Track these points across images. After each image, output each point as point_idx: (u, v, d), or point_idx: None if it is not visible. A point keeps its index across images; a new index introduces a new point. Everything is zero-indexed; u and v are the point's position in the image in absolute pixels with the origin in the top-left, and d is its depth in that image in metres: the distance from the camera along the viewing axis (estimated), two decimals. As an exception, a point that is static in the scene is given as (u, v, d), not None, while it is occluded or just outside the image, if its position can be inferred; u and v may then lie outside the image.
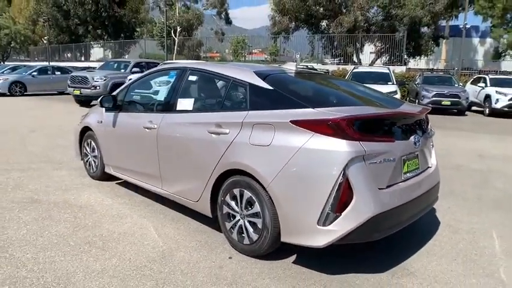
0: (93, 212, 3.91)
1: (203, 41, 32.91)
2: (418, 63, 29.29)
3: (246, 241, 3.00)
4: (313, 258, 2.99)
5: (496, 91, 14.64)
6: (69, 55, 39.20)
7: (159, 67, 4.29)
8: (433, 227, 3.77)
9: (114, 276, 2.71)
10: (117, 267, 2.83)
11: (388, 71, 12.96)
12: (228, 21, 35.17)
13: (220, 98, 3.43)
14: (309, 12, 26.85)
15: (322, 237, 2.59)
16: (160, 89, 4.01)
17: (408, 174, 2.96)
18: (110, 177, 4.84)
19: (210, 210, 3.30)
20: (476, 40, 41.98)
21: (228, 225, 3.15)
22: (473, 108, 16.25)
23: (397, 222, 2.81)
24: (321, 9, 27.32)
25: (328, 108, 2.72)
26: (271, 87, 3.02)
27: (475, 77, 18.24)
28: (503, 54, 26.38)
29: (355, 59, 28.29)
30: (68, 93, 19.39)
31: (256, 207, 2.89)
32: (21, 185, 4.70)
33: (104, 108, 4.62)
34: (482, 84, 15.86)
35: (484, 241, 3.49)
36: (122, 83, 13.15)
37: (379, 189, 2.64)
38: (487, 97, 15.04)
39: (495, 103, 14.52)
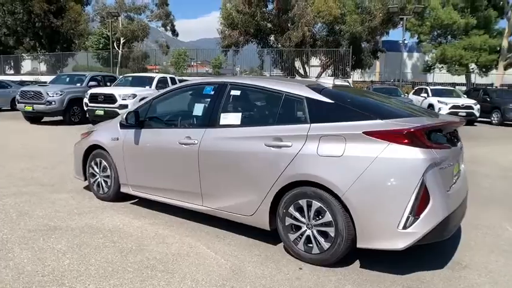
0: (128, 235, 3.69)
1: (149, 53, 32.07)
2: (363, 75, 31.37)
3: (316, 250, 3.07)
4: (376, 262, 3.13)
5: (438, 100, 16.20)
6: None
7: (189, 82, 4.19)
8: (456, 225, 4.12)
9: (200, 297, 2.62)
10: (196, 288, 2.74)
11: (348, 84, 13.77)
12: (175, 33, 34.76)
13: (273, 112, 3.47)
14: (258, 27, 27.56)
15: (402, 240, 2.76)
16: (195, 104, 3.94)
17: (456, 177, 3.25)
18: (123, 198, 4.61)
19: (268, 223, 3.32)
20: (404, 54, 46.17)
21: (292, 236, 3.19)
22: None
23: (457, 221, 3.07)
24: (269, 24, 28.22)
25: (395, 120, 2.92)
26: (331, 101, 3.16)
27: (416, 88, 20.01)
28: (432, 67, 29.15)
29: (302, 72, 29.52)
30: (6, 110, 17.84)
31: (328, 217, 2.97)
32: (26, 212, 4.27)
33: (118, 125, 4.42)
34: (425, 95, 17.46)
35: (504, 233, 3.92)
36: (80, 98, 12.45)
37: (446, 192, 2.88)
38: (430, 106, 16.56)
39: (438, 111, 16.03)
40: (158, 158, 4.03)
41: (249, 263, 3.14)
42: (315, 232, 3.07)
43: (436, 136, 2.96)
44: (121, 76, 14.89)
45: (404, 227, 2.73)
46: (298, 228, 3.15)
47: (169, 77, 13.95)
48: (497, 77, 27.32)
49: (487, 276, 3.02)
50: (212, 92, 3.81)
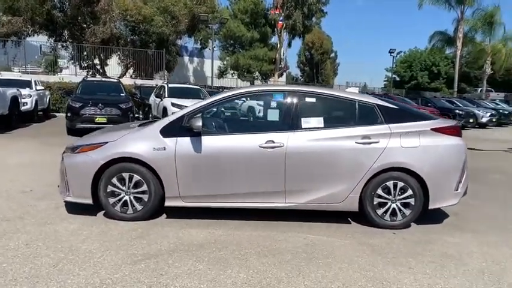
0: (246, 240, 3.65)
1: None
2: (163, 78, 31.94)
3: (399, 218, 4.14)
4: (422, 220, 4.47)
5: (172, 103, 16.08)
6: None
7: (249, 89, 4.21)
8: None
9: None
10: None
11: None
12: None
13: (352, 116, 4.23)
14: (49, 16, 23.85)
15: (455, 198, 4.22)
16: (267, 110, 4.17)
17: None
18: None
19: (357, 206, 4.12)
20: (186, 58, 49.67)
21: (380, 211, 4.13)
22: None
23: None
24: (61, 15, 24.87)
25: (440, 120, 4.35)
26: (397, 107, 4.28)
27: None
28: (225, 73, 33.06)
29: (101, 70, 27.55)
30: None
31: (409, 192, 4.10)
32: (74, 262, 3.34)
33: (159, 133, 4.05)
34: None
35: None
36: None
37: (466, 164, 4.54)
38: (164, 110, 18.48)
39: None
40: (232, 163, 4.02)
41: (364, 239, 3.88)
42: (398, 204, 4.13)
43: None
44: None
45: (457, 189, 4.21)
46: (385, 204, 4.13)
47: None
48: (274, 84, 33.81)
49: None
50: (284, 99, 4.19)
